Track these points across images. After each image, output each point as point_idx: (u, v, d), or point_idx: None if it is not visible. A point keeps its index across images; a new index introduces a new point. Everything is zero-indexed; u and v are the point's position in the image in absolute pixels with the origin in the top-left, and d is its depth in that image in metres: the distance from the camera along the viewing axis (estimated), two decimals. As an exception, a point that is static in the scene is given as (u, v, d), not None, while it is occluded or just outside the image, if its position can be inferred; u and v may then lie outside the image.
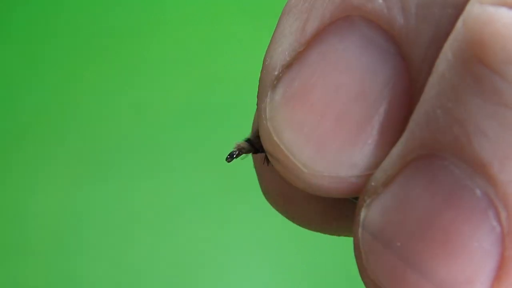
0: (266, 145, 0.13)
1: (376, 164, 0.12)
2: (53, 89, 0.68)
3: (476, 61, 0.10)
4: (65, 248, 0.61)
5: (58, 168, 0.64)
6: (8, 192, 0.63)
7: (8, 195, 0.63)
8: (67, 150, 0.65)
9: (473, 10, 0.10)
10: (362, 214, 0.12)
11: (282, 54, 0.13)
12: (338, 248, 0.56)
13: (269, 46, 0.13)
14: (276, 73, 0.13)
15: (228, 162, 0.15)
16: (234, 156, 0.15)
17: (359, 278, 0.13)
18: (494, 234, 0.11)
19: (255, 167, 0.17)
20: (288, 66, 0.12)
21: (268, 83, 0.13)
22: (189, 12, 0.73)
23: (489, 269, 0.11)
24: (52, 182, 0.63)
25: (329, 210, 0.15)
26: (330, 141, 0.12)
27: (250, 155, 0.15)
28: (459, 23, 0.11)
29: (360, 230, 0.12)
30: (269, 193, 0.16)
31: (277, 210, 0.16)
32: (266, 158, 0.14)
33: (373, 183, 0.12)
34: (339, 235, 0.17)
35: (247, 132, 0.15)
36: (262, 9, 0.70)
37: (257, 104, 0.13)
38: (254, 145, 0.15)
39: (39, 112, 0.66)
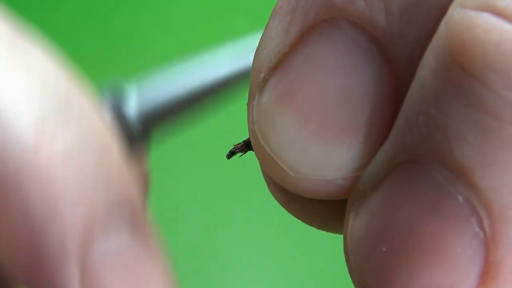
0: (254, 148, 0.13)
1: (362, 166, 0.12)
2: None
3: (457, 67, 0.10)
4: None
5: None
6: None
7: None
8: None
9: (454, 14, 0.10)
10: (351, 218, 0.12)
11: (268, 56, 0.12)
12: (340, 248, 0.55)
13: (256, 49, 0.13)
14: (262, 75, 0.12)
15: (228, 158, 0.15)
16: (234, 152, 0.15)
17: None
18: (477, 240, 0.11)
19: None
20: (273, 68, 0.12)
21: (255, 86, 0.13)
22: (190, 12, 0.73)
23: (473, 274, 0.11)
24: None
25: (328, 210, 0.15)
26: (316, 144, 0.12)
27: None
28: (442, 27, 0.11)
29: (348, 234, 0.12)
30: (274, 192, 0.16)
31: (285, 208, 0.16)
32: None
33: (361, 187, 0.12)
34: (341, 233, 0.17)
35: (247, 132, 0.16)
36: (262, 9, 0.70)
37: (246, 107, 0.13)
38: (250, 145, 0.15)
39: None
